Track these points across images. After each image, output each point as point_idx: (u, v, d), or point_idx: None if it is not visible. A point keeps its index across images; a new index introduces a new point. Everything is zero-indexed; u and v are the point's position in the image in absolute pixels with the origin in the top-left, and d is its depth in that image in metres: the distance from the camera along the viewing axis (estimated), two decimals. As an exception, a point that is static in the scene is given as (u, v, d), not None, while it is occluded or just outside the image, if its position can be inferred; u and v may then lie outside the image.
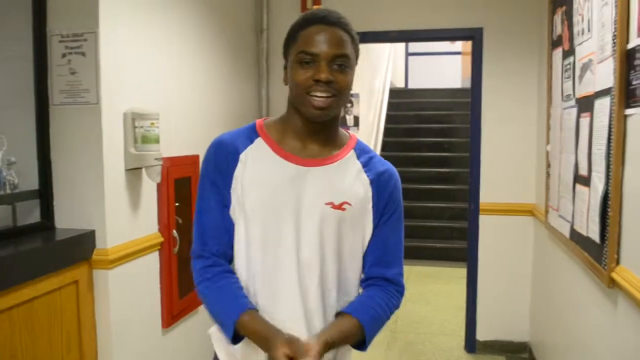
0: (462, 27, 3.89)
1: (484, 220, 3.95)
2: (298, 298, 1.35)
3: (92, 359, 2.27)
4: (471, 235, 4.00)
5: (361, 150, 1.46)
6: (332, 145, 1.43)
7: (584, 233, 2.32)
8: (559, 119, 2.90)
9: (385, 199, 1.43)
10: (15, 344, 1.91)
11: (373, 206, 1.41)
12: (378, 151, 6.96)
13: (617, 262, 1.97)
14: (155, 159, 2.43)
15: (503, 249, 3.93)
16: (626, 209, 1.93)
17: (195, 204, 1.44)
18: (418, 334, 4.40)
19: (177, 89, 2.84)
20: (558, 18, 2.95)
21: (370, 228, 1.43)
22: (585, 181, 2.32)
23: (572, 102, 2.60)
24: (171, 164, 2.69)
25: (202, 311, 3.06)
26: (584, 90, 2.40)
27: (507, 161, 3.88)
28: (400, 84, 9.86)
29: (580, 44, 2.48)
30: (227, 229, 1.39)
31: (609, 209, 2.01)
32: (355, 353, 1.45)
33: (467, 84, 9.24)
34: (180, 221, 2.78)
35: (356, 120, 6.38)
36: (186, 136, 2.93)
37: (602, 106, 2.11)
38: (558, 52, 2.94)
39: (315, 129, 1.39)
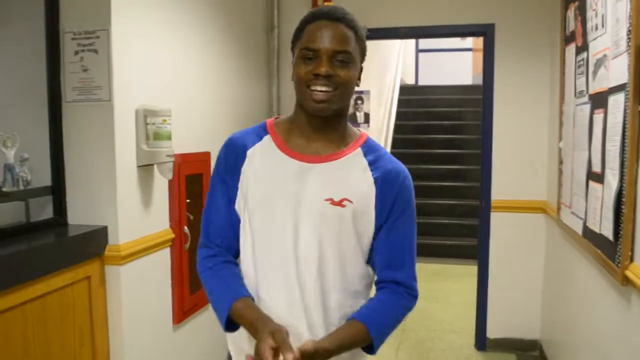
0: (474, 23, 3.86)
1: (495, 218, 3.93)
2: (296, 294, 1.35)
3: (104, 354, 2.28)
4: (482, 232, 3.98)
5: (369, 149, 1.44)
6: (339, 143, 1.42)
7: (597, 230, 2.31)
8: (571, 116, 2.88)
9: (391, 199, 1.39)
10: (28, 338, 1.93)
11: (376, 205, 1.38)
12: (388, 148, 6.95)
13: (631, 260, 1.95)
14: (167, 155, 2.43)
15: (514, 246, 3.91)
16: (640, 206, 1.91)
17: (205, 200, 1.49)
18: (428, 331, 4.40)
19: (188, 86, 2.85)
20: (571, 13, 2.93)
21: (372, 227, 1.40)
22: (599, 178, 2.30)
23: (586, 99, 2.58)
24: (182, 161, 2.70)
25: (212, 307, 3.07)
26: (597, 86, 2.38)
27: (518, 158, 3.86)
28: (411, 81, 9.82)
29: (594, 39, 2.46)
30: (233, 224, 1.43)
31: (623, 206, 2.00)
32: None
33: (478, 81, 9.18)
34: (192, 217, 2.79)
35: (366, 117, 6.36)
36: (197, 133, 2.93)
37: (617, 102, 2.09)
38: (571, 48, 2.92)
39: (319, 125, 1.40)
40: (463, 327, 4.42)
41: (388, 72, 7.39)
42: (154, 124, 2.37)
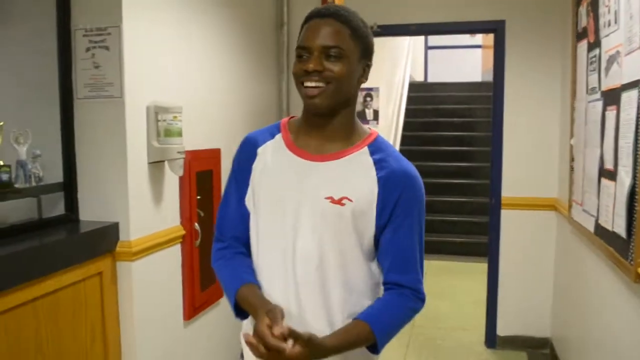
0: (484, 19, 3.85)
1: (505, 215, 3.92)
2: (292, 289, 1.36)
3: (115, 350, 2.29)
4: (492, 229, 3.97)
5: (377, 148, 1.43)
6: (345, 141, 1.42)
7: (610, 228, 2.29)
8: (583, 112, 2.86)
9: (394, 199, 1.37)
10: (40, 334, 1.94)
11: (378, 204, 1.37)
12: (397, 145, 6.93)
13: (644, 257, 1.94)
14: (178, 152, 2.44)
15: (525, 243, 3.89)
16: (654, 203, 1.90)
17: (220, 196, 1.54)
18: (438, 328, 4.39)
19: (198, 82, 2.85)
20: (583, 10, 2.91)
21: (372, 227, 1.38)
22: (611, 175, 2.29)
23: (598, 95, 2.56)
24: (193, 157, 2.70)
25: (223, 304, 3.08)
26: (610, 82, 2.37)
27: (529, 155, 3.84)
28: (420, 78, 9.79)
29: (606, 35, 2.44)
30: (244, 218, 1.48)
31: (636, 203, 1.98)
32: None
33: (488, 78, 9.16)
34: (202, 214, 2.80)
35: (375, 114, 6.36)
36: (207, 130, 2.94)
37: (630, 99, 2.07)
38: (583, 45, 2.90)
39: (319, 122, 1.41)
40: (473, 324, 4.41)
41: (397, 69, 7.37)
42: (164, 120, 2.38)
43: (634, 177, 2.01)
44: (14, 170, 2.15)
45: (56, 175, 2.27)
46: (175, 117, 2.41)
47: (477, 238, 6.51)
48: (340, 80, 1.34)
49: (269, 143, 1.47)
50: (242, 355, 1.54)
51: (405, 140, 7.51)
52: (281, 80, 4.04)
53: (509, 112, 3.85)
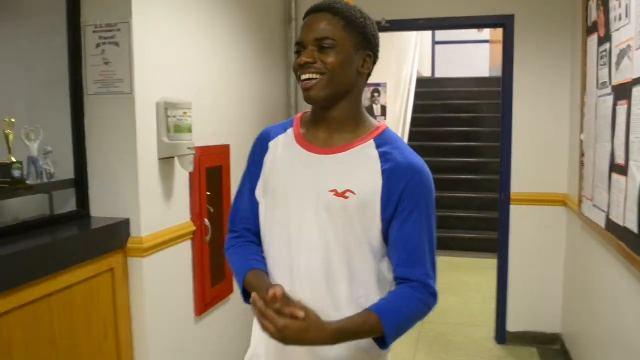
0: (493, 14, 3.83)
1: (514, 210, 3.91)
2: (299, 283, 1.38)
3: (128, 346, 2.31)
4: (502, 225, 3.96)
5: (385, 141, 1.42)
6: (352, 134, 1.42)
7: (621, 223, 2.28)
8: (593, 107, 2.85)
9: (399, 192, 1.36)
10: (54, 329, 1.95)
11: (382, 197, 1.36)
12: (405, 141, 6.92)
13: (657, 252, 1.94)
14: (188, 148, 2.44)
15: (534, 239, 3.88)
16: (666, 198, 1.89)
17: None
18: (448, 324, 4.39)
19: (208, 79, 2.85)
20: (593, 4, 2.89)
21: (378, 219, 1.37)
22: (622, 170, 2.28)
23: (608, 90, 2.55)
24: (203, 153, 2.71)
25: (234, 299, 3.09)
26: (621, 77, 2.36)
27: (538, 150, 3.82)
28: (427, 73, 9.77)
29: (617, 30, 2.43)
30: (254, 210, 1.51)
31: (648, 198, 1.98)
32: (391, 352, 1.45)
33: (495, 73, 9.13)
34: (212, 210, 2.80)
35: (383, 109, 6.35)
36: (217, 126, 2.94)
37: (641, 93, 2.06)
38: (593, 39, 2.89)
39: (322, 115, 1.43)
40: (483, 320, 4.41)
41: (405, 64, 7.37)
42: (174, 116, 2.38)
43: (646, 171, 2.00)
44: (25, 167, 2.16)
45: (67, 171, 2.28)
46: (185, 113, 2.42)
47: (486, 234, 6.50)
48: (333, 71, 1.35)
49: (281, 137, 1.50)
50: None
51: (413, 136, 7.51)
52: (290, 76, 4.03)
53: (518, 107, 3.84)
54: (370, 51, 1.41)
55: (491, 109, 7.75)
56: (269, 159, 1.48)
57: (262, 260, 1.46)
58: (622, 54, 2.34)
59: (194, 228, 2.66)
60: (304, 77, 1.37)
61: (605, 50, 2.61)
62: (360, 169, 1.38)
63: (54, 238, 2.05)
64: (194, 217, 2.68)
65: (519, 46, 3.80)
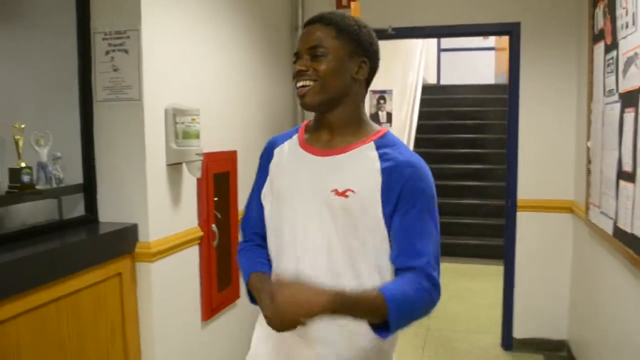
0: (499, 22, 3.84)
1: (521, 217, 3.90)
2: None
3: (135, 350, 2.31)
4: (508, 232, 3.96)
5: (385, 143, 1.46)
6: (352, 137, 1.47)
7: (629, 230, 2.28)
8: (600, 115, 2.85)
9: (398, 188, 1.38)
10: (62, 333, 1.96)
11: (382, 194, 1.38)
12: (411, 147, 6.92)
13: (664, 259, 1.93)
14: (196, 154, 2.46)
15: (541, 245, 3.87)
16: (674, 204, 1.89)
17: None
18: (454, 331, 4.38)
19: (215, 85, 2.87)
20: (600, 12, 2.90)
21: (379, 217, 1.39)
22: (630, 177, 2.28)
23: (615, 97, 2.55)
24: (210, 159, 2.72)
25: (240, 304, 3.09)
26: (628, 84, 2.36)
27: (544, 157, 3.82)
28: (433, 80, 9.78)
29: (624, 37, 2.44)
30: (261, 215, 1.57)
31: (656, 205, 1.98)
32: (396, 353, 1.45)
33: (501, 80, 9.13)
34: (219, 216, 2.81)
35: (389, 116, 6.36)
36: (224, 132, 2.96)
37: (649, 100, 2.07)
38: (600, 47, 2.89)
39: (322, 120, 1.49)
40: (489, 327, 4.39)
41: (410, 71, 7.37)
42: (182, 123, 2.40)
43: (654, 178, 2.00)
44: (35, 172, 2.18)
45: (76, 176, 2.30)
46: (193, 119, 2.43)
47: (493, 240, 6.48)
48: (325, 78, 1.41)
49: (286, 143, 1.56)
50: None
51: (419, 142, 7.50)
52: (296, 83, 4.04)
53: (524, 114, 3.84)
54: (365, 57, 1.46)
55: (497, 115, 7.74)
56: (274, 165, 1.55)
57: (267, 263, 1.52)
58: (629, 61, 2.34)
59: (201, 233, 2.67)
60: (298, 84, 1.44)
61: (612, 58, 2.62)
62: (359, 169, 1.42)
63: (63, 243, 2.07)
64: (202, 222, 2.69)
65: (525, 53, 3.80)
